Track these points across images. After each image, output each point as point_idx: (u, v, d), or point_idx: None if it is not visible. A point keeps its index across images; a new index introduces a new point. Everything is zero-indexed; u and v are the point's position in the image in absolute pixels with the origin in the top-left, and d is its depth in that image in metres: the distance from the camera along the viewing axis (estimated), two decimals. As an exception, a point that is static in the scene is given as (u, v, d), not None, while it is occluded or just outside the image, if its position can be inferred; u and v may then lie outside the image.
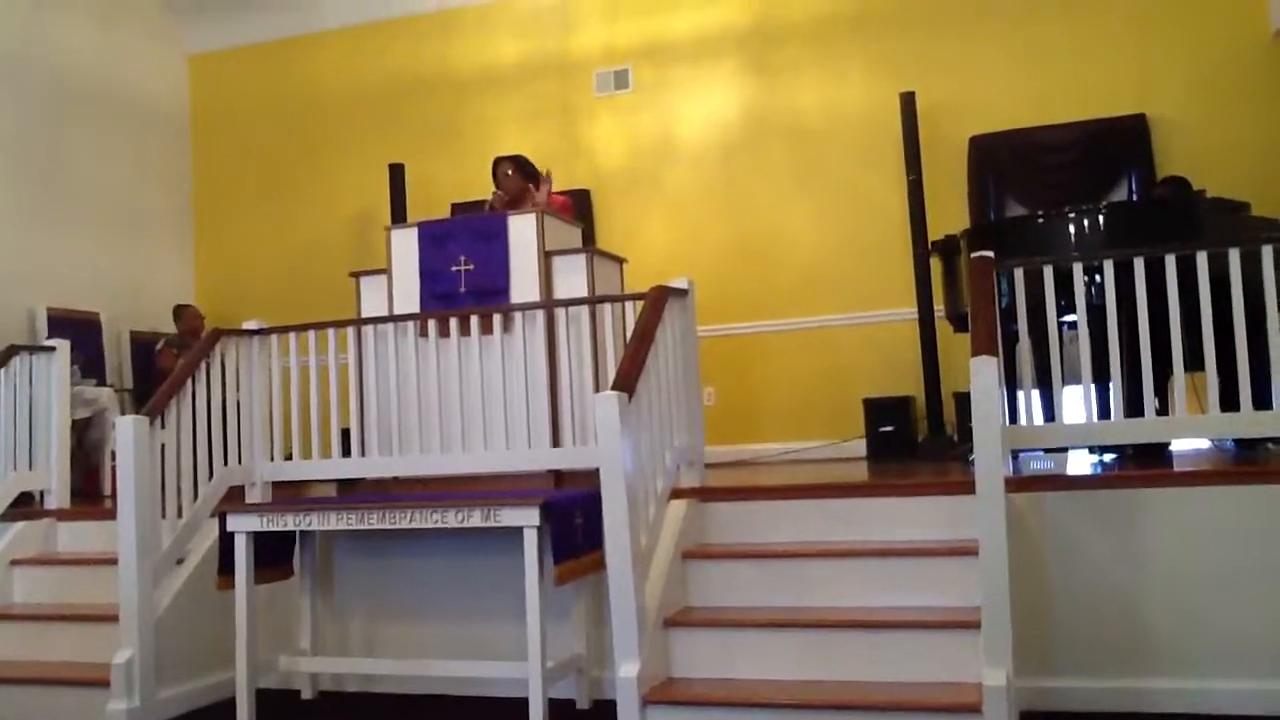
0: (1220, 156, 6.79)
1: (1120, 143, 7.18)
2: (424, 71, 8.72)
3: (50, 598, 5.00)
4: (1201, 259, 3.98)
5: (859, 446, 7.06)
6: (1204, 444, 5.50)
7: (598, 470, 3.68)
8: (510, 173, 6.09)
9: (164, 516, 4.51)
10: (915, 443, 6.94)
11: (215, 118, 9.25)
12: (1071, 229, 5.23)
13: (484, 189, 7.79)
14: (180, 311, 8.03)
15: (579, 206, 7.55)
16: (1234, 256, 3.97)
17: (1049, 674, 3.80)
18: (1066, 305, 4.21)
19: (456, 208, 7.96)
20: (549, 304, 4.98)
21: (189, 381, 4.71)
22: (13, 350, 5.51)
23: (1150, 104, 7.17)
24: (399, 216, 8.00)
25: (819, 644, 3.69)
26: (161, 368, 7.51)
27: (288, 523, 4.31)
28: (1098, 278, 4.27)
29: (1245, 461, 4.72)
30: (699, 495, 4.36)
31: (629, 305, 4.77)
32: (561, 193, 6.59)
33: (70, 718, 4.28)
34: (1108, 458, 5.08)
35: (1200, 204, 5.73)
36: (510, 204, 5.89)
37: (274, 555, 4.53)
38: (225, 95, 9.23)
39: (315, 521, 4.28)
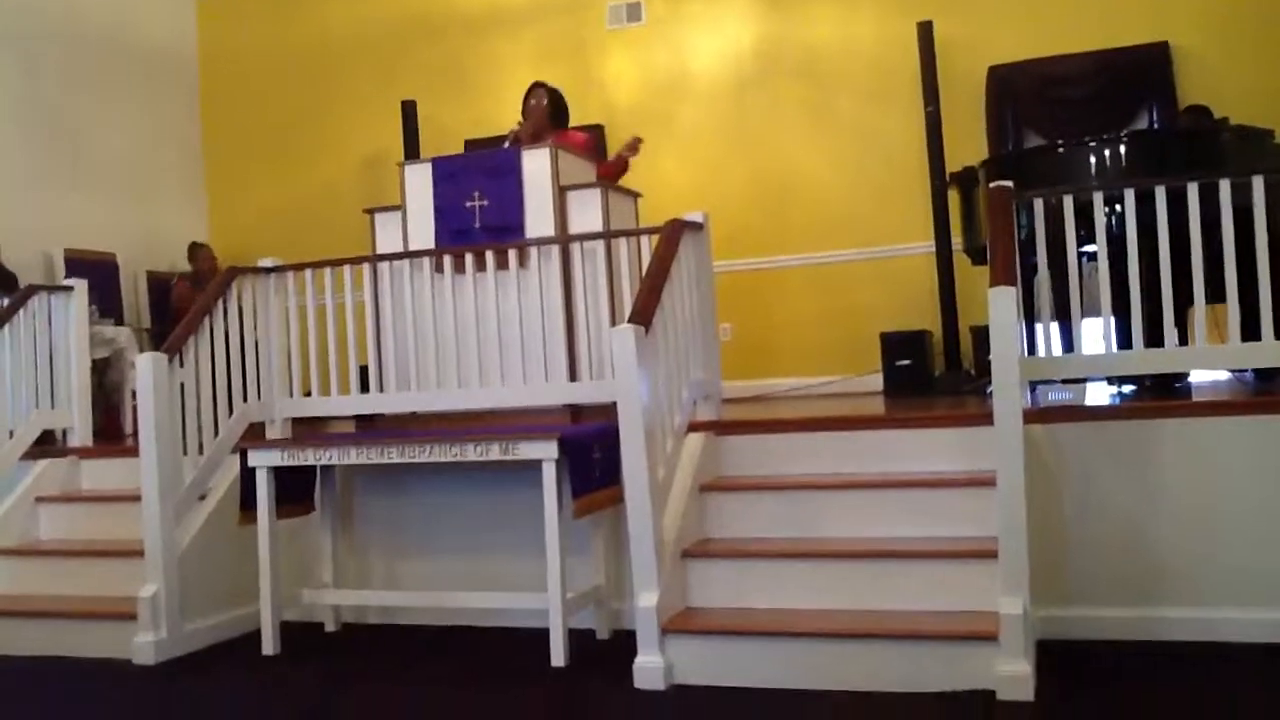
0: (1244, 85, 6.66)
1: (1141, 72, 7.06)
2: (434, 8, 8.62)
3: (75, 534, 5.08)
4: (1224, 187, 3.93)
5: (876, 381, 7.05)
6: (1223, 376, 5.48)
7: (615, 404, 3.69)
8: (544, 102, 5.90)
9: (185, 453, 4.55)
10: (932, 377, 6.92)
11: (224, 60, 9.17)
12: (1092, 159, 5.16)
13: (496, 126, 7.73)
14: (195, 251, 8.06)
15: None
16: (1258, 185, 3.92)
17: (1065, 603, 3.82)
18: (1086, 236, 4.18)
19: (470, 144, 7.91)
20: (564, 239, 4.96)
21: (206, 319, 4.73)
22: (31, 290, 5.54)
23: (1172, 32, 7.04)
24: (412, 154, 7.95)
25: (836, 574, 3.71)
26: (178, 301, 7.57)
27: (308, 458, 4.35)
28: (1118, 208, 4.23)
29: (1264, 393, 4.70)
30: (716, 429, 4.37)
31: (644, 239, 4.75)
32: (580, 128, 6.49)
33: (98, 650, 4.35)
34: (1126, 389, 5.07)
35: (1223, 132, 5.64)
36: (533, 136, 5.75)
37: (295, 491, 4.58)
38: (234, 37, 9.14)
39: (335, 457, 4.32)
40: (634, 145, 5.80)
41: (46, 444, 5.53)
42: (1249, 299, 3.93)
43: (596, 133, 7.73)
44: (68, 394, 5.52)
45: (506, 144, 5.60)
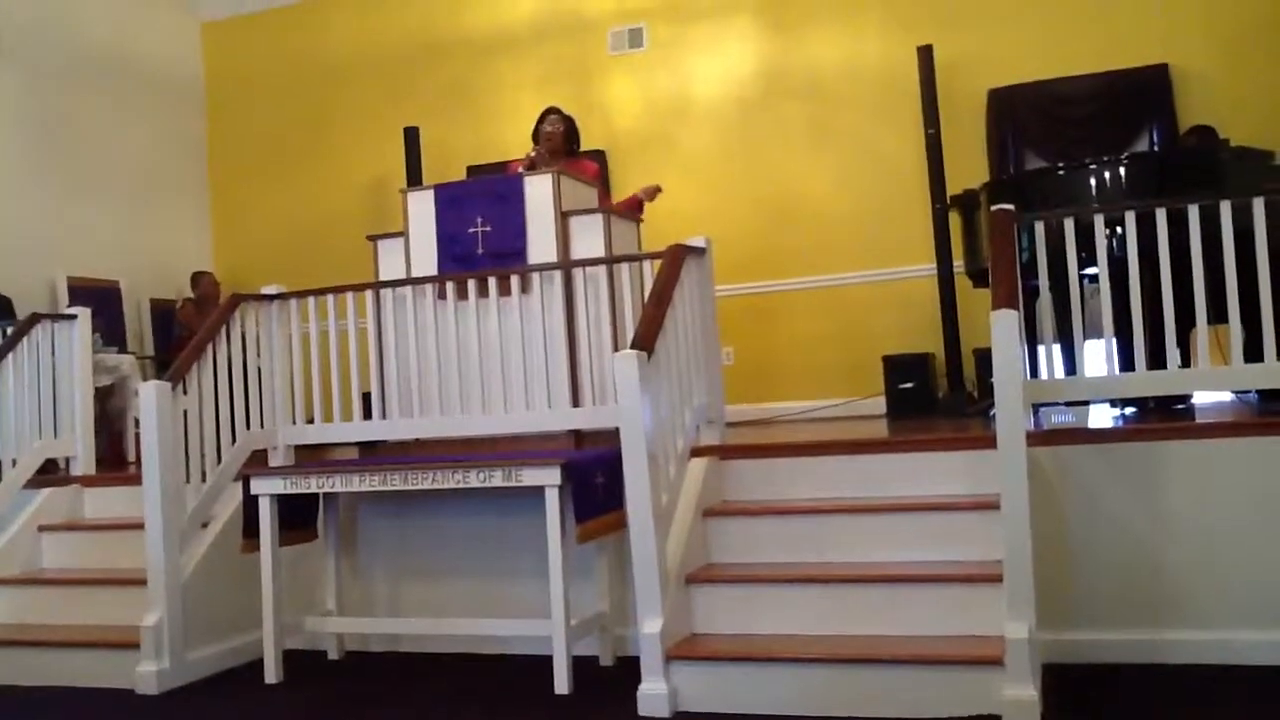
0: (1244, 106, 6.70)
1: (1141, 94, 7.09)
2: (437, 34, 8.68)
3: (78, 562, 5.07)
4: (1225, 209, 3.94)
5: (879, 404, 7.05)
6: (1226, 397, 5.47)
7: (618, 430, 3.69)
8: (558, 128, 5.90)
9: (188, 481, 4.55)
10: (935, 399, 6.92)
11: (229, 85, 9.24)
12: (1093, 181, 5.17)
13: (499, 152, 7.79)
14: (197, 278, 8.08)
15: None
16: (1258, 206, 3.93)
17: (1071, 626, 3.80)
18: (1088, 258, 4.18)
19: (472, 170, 7.94)
20: (566, 264, 4.96)
21: (209, 347, 4.73)
22: (35, 319, 5.55)
23: (1172, 54, 7.07)
24: (415, 180, 7.99)
25: (841, 599, 3.70)
26: (183, 322, 7.62)
27: (311, 485, 4.34)
28: (1119, 230, 4.23)
29: (1268, 413, 4.69)
30: (719, 453, 4.36)
31: (647, 264, 4.75)
32: (587, 153, 6.52)
33: (101, 680, 4.34)
34: (1129, 411, 5.05)
35: (1223, 153, 5.65)
36: (550, 161, 5.74)
37: (298, 518, 4.57)
38: (239, 62, 9.21)
39: (338, 484, 4.31)
40: (652, 192, 5.88)
41: (49, 472, 5.53)
42: (1251, 320, 3.93)
43: (599, 158, 7.76)
44: (71, 422, 5.52)
45: (521, 168, 5.62)
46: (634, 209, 5.81)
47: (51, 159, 7.78)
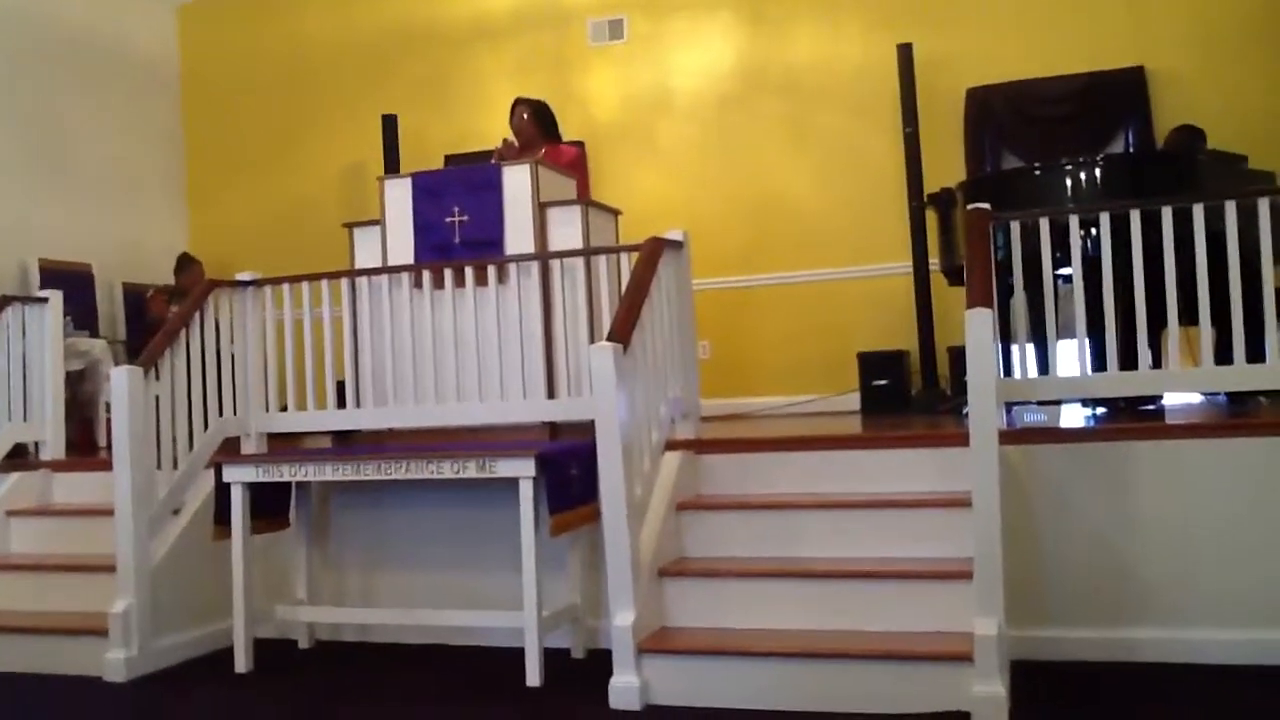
0: (1219, 108, 6.74)
1: (1118, 95, 7.14)
2: (416, 22, 8.62)
3: (47, 549, 5.02)
4: (1198, 211, 3.97)
5: (853, 400, 7.08)
6: (1196, 398, 5.53)
7: (593, 422, 3.69)
8: (526, 117, 5.92)
9: (159, 468, 4.51)
10: (909, 396, 6.95)
11: (205, 70, 9.15)
12: (1068, 181, 5.20)
13: (477, 141, 7.76)
14: (184, 264, 7.95)
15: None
16: (1230, 209, 3.96)
17: (1040, 624, 3.83)
18: (1062, 258, 4.20)
19: (450, 160, 7.91)
20: (544, 255, 4.96)
21: (183, 333, 4.70)
22: (5, 301, 5.49)
23: (1148, 55, 7.12)
24: (392, 168, 7.95)
25: (812, 594, 3.71)
26: (153, 315, 7.51)
27: (283, 473, 4.32)
28: (1093, 230, 4.26)
29: (1237, 415, 4.74)
30: (694, 447, 4.37)
31: (624, 257, 4.75)
32: (571, 142, 6.50)
33: (69, 667, 4.30)
34: (1100, 411, 5.09)
35: (1198, 156, 5.70)
36: (521, 153, 5.74)
37: (270, 506, 4.54)
38: (215, 47, 9.12)
39: (311, 472, 4.30)
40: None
41: (19, 457, 5.47)
42: (1222, 322, 3.97)
43: (578, 149, 7.74)
44: (41, 407, 5.47)
45: (494, 159, 5.59)
46: (577, 164, 5.80)
47: (25, 144, 7.68)
